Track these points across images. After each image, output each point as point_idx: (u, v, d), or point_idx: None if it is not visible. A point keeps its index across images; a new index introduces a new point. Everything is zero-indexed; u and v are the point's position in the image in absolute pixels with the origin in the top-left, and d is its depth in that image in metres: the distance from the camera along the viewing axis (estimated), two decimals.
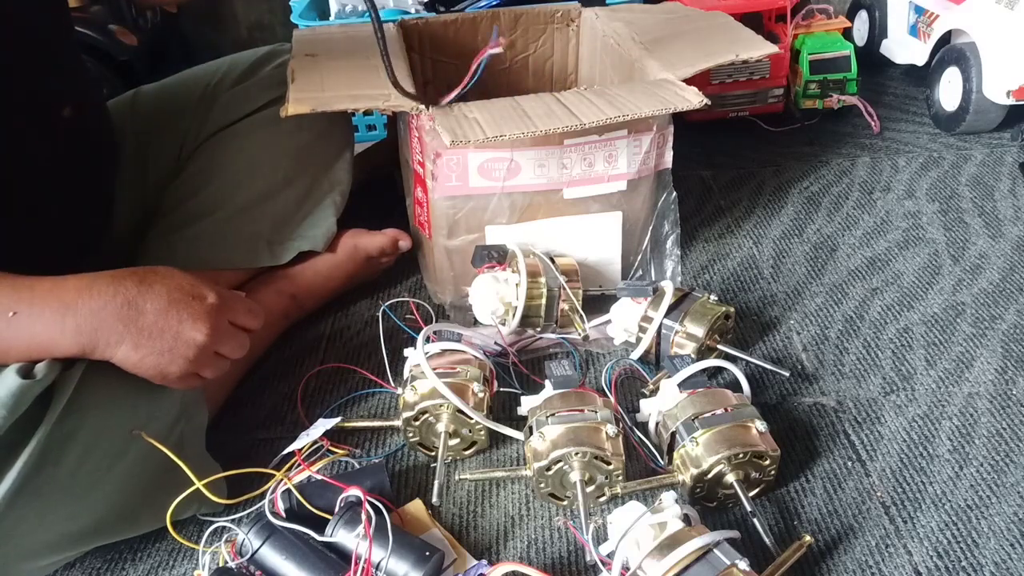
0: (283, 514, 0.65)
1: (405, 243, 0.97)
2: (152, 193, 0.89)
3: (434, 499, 0.68)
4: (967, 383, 0.79)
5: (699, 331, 0.79)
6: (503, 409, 0.79)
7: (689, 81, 0.86)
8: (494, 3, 1.21)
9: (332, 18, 1.24)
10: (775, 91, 1.29)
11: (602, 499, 0.68)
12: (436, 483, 0.68)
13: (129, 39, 1.39)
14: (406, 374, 0.77)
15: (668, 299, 0.81)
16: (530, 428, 0.70)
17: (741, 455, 0.65)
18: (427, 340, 0.76)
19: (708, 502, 0.68)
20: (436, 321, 0.90)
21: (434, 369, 0.73)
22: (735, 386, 0.74)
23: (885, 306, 0.91)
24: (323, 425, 0.74)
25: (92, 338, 0.58)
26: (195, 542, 0.65)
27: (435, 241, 0.89)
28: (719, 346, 0.80)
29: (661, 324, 0.80)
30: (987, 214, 1.06)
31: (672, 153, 0.89)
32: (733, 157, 1.25)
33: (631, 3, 1.16)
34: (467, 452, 0.75)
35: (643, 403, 0.75)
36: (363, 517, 0.61)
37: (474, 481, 0.73)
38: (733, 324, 0.84)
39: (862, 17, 1.48)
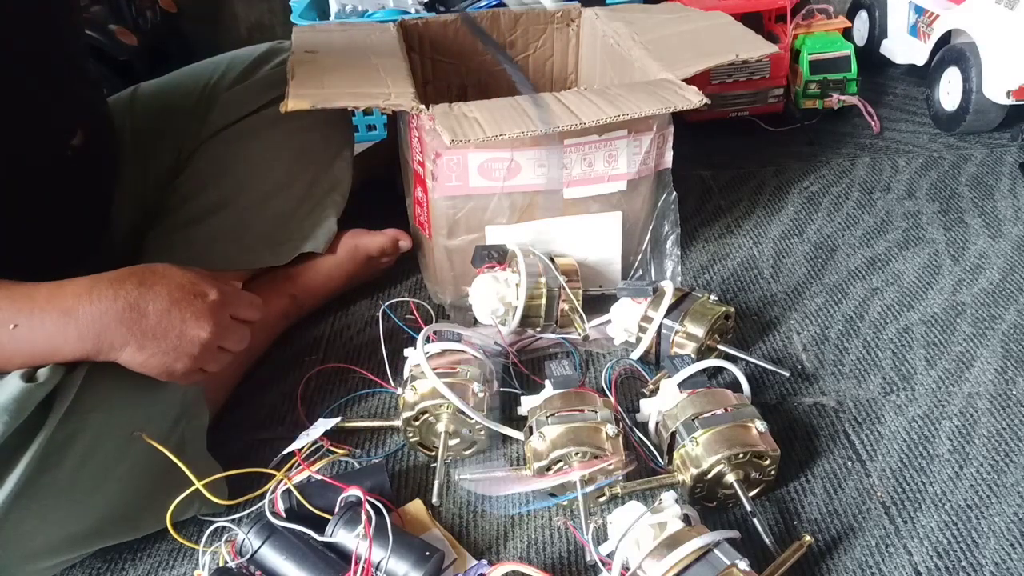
0: (283, 514, 0.65)
1: (405, 243, 0.97)
2: (152, 191, 0.89)
3: (434, 499, 0.68)
4: (967, 383, 0.79)
5: (699, 331, 0.79)
6: (503, 409, 0.79)
7: (689, 81, 0.86)
8: (494, 3, 1.21)
9: (332, 18, 1.24)
10: (775, 91, 1.29)
11: (602, 499, 0.68)
12: (436, 483, 0.68)
13: (129, 39, 1.39)
14: (406, 374, 0.77)
15: (668, 299, 0.81)
16: (530, 428, 0.70)
17: (741, 455, 0.65)
18: (427, 340, 0.76)
19: (708, 502, 0.68)
20: (436, 321, 0.90)
21: (434, 369, 0.73)
22: (735, 386, 0.75)
23: (885, 306, 0.91)
24: (323, 425, 0.74)
25: (96, 343, 0.58)
26: (195, 542, 0.65)
27: (435, 241, 0.89)
28: (719, 346, 0.80)
29: (661, 324, 0.80)
30: (987, 214, 1.06)
31: (672, 153, 0.89)
32: (733, 157, 1.25)
33: (631, 3, 1.16)
34: (467, 452, 0.75)
35: (643, 403, 0.75)
36: (363, 517, 0.61)
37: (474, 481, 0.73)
38: (733, 324, 0.84)
39: (862, 17, 1.48)
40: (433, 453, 0.74)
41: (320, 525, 0.63)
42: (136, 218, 0.88)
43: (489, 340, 0.83)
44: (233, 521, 0.64)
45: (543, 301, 0.83)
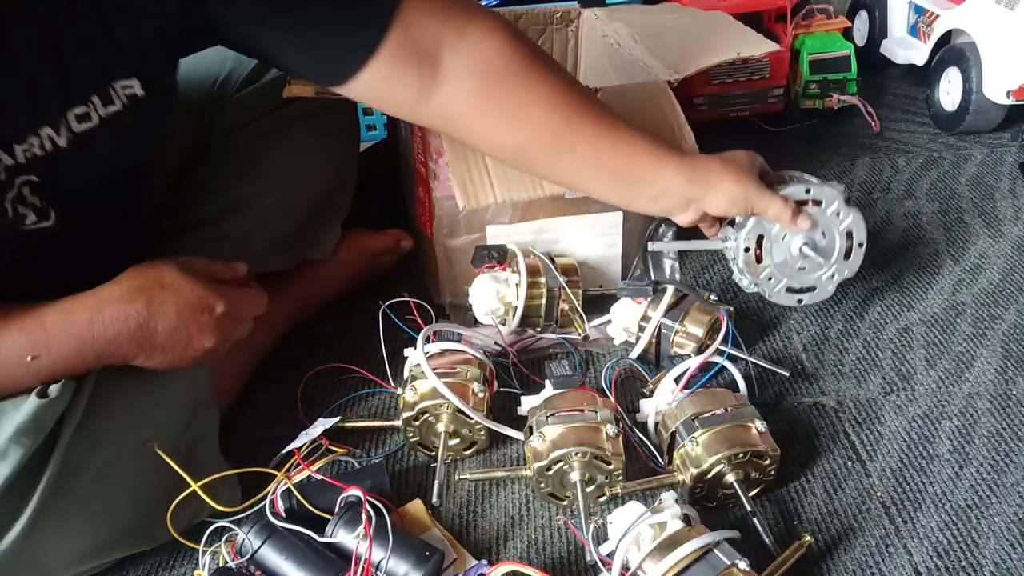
0: (283, 514, 0.65)
1: (407, 243, 0.97)
2: (157, 188, 0.89)
3: (434, 499, 0.68)
4: (967, 383, 0.79)
5: (699, 331, 0.79)
6: (503, 409, 0.79)
7: (689, 79, 0.86)
8: (494, 3, 1.21)
9: None
10: (775, 91, 1.29)
11: (602, 499, 0.68)
12: (436, 483, 0.68)
13: None
14: (406, 374, 0.77)
15: (668, 299, 0.81)
16: (530, 428, 0.70)
17: (741, 455, 0.65)
18: (427, 340, 0.76)
19: (708, 502, 0.68)
20: (436, 321, 0.90)
21: (434, 369, 0.73)
22: (735, 386, 0.75)
23: (885, 306, 0.91)
24: (323, 425, 0.74)
25: (110, 360, 0.61)
26: (195, 542, 0.65)
27: (436, 241, 0.89)
28: (719, 346, 0.80)
29: (661, 324, 0.80)
30: (987, 214, 1.06)
31: None
32: None
33: (631, 3, 1.16)
34: (467, 452, 0.75)
35: (643, 403, 0.75)
36: (363, 517, 0.61)
37: (474, 481, 0.73)
38: (733, 325, 0.84)
39: (862, 17, 1.48)
40: (433, 453, 0.74)
41: (320, 525, 0.63)
42: (144, 216, 0.88)
43: (489, 340, 0.83)
44: (233, 521, 0.64)
45: (543, 301, 0.83)
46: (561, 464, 0.67)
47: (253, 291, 0.70)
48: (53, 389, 0.57)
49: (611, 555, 0.59)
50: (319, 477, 0.67)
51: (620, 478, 0.67)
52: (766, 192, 0.77)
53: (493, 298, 0.83)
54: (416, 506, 0.70)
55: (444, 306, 0.94)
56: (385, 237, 0.96)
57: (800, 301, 0.85)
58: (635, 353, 0.82)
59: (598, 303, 0.89)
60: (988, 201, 1.09)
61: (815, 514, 0.68)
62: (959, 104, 1.22)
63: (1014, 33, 1.13)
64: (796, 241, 0.81)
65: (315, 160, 0.92)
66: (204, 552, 0.63)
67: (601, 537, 0.62)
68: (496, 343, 0.84)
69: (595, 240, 0.90)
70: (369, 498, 0.62)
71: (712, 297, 0.82)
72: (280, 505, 0.66)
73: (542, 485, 0.68)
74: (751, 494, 0.67)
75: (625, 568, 0.58)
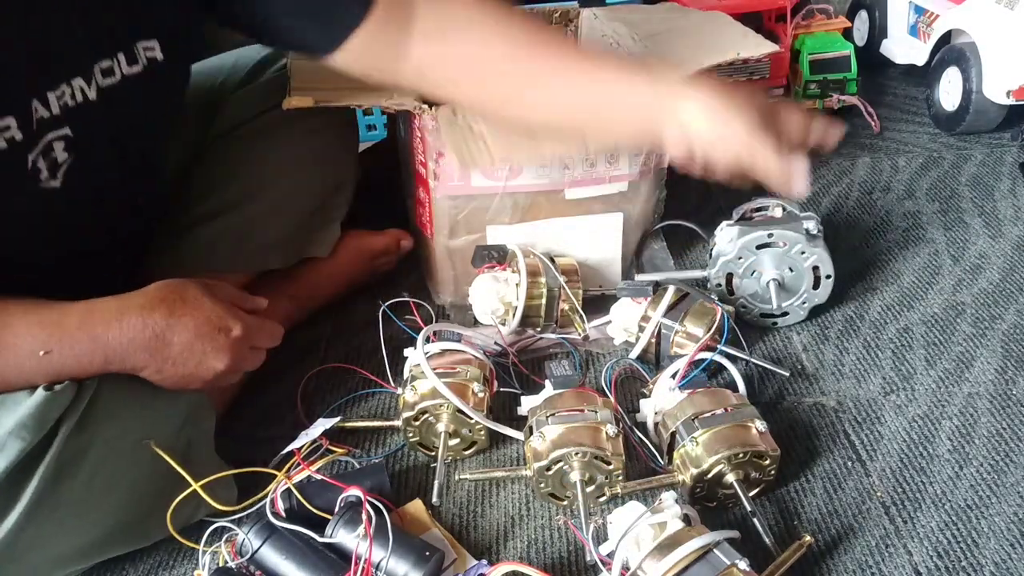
0: (283, 514, 0.65)
1: (407, 243, 0.97)
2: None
3: (434, 499, 0.68)
4: (967, 383, 0.79)
5: (699, 331, 0.79)
6: (503, 409, 0.79)
7: None
8: None
9: None
10: (775, 91, 1.29)
11: (602, 499, 0.68)
12: (436, 483, 0.68)
13: None
14: (406, 374, 0.77)
15: (668, 299, 0.81)
16: (530, 428, 0.70)
17: (741, 455, 0.65)
18: (427, 340, 0.76)
19: (708, 502, 0.68)
20: (436, 321, 0.90)
21: (434, 369, 0.73)
22: (735, 386, 0.75)
23: (885, 306, 0.91)
24: (323, 425, 0.74)
25: (120, 365, 0.61)
26: (195, 542, 0.65)
27: (436, 241, 0.89)
28: (719, 346, 0.80)
29: (661, 324, 0.80)
30: (987, 214, 1.06)
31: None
32: None
33: (630, 3, 1.16)
34: (467, 452, 0.75)
35: (643, 403, 0.75)
36: (363, 517, 0.61)
37: (474, 481, 0.73)
38: (733, 324, 0.84)
39: (862, 17, 1.48)
40: (433, 453, 0.74)
41: (320, 525, 0.63)
42: None
43: (489, 340, 0.83)
44: (233, 521, 0.64)
45: (543, 301, 0.83)
46: (561, 464, 0.67)
47: (270, 324, 0.72)
48: (58, 386, 0.58)
49: (611, 555, 0.59)
50: (319, 477, 0.67)
51: (620, 478, 0.67)
52: (759, 131, 0.67)
53: (493, 298, 0.83)
54: (416, 506, 0.70)
55: (444, 306, 0.94)
56: (384, 237, 0.96)
57: (775, 324, 0.88)
58: (635, 353, 0.82)
59: (598, 303, 0.89)
60: (988, 201, 1.09)
61: (815, 514, 0.68)
62: (959, 104, 1.22)
63: (1014, 33, 1.13)
64: (764, 276, 0.85)
65: (313, 159, 0.92)
66: (204, 552, 0.63)
67: (601, 537, 0.62)
68: (496, 343, 0.84)
69: (595, 240, 0.90)
70: (369, 498, 0.62)
71: (712, 297, 0.82)
72: (280, 505, 0.66)
73: (542, 485, 0.68)
74: (751, 494, 0.67)
75: (625, 568, 0.58)
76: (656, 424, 0.73)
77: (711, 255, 0.88)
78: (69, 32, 0.60)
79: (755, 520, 0.64)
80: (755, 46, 0.92)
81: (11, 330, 0.57)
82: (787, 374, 0.80)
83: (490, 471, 0.73)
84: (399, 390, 0.77)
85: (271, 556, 0.62)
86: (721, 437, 0.66)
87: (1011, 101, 1.15)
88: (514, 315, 0.83)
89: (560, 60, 0.73)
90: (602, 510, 0.68)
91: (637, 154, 0.86)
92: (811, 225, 0.85)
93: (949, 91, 1.25)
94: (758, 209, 0.90)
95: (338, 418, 0.76)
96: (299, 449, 0.71)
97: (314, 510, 0.65)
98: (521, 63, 0.73)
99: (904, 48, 1.37)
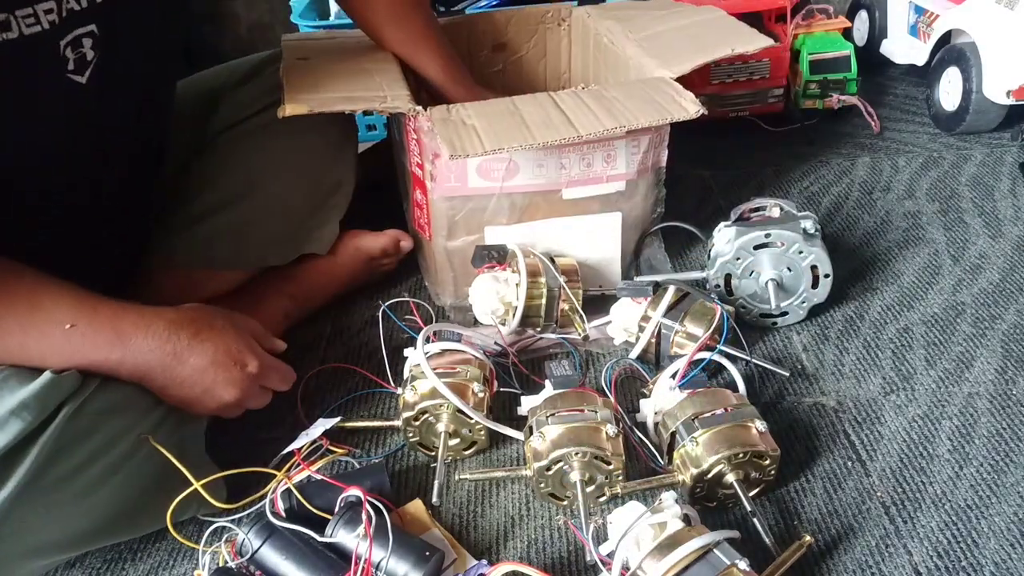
0: (283, 514, 0.65)
1: (407, 243, 0.97)
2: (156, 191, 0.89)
3: (434, 499, 0.68)
4: (967, 383, 0.79)
5: (699, 331, 0.79)
6: (503, 409, 0.79)
7: (688, 79, 0.86)
8: (494, 3, 1.21)
9: (332, 18, 1.24)
10: (775, 91, 1.29)
11: (602, 499, 0.68)
12: (436, 483, 0.68)
13: None
14: (406, 374, 0.77)
15: (668, 299, 0.81)
16: (530, 428, 0.70)
17: (741, 455, 0.65)
18: (427, 340, 0.76)
19: (708, 502, 0.68)
20: (436, 321, 0.90)
21: (434, 369, 0.73)
22: (735, 386, 0.75)
23: (885, 306, 0.91)
24: (323, 425, 0.74)
25: (130, 371, 0.62)
26: (195, 542, 0.65)
27: (435, 242, 0.89)
28: (719, 345, 0.80)
29: (661, 324, 0.80)
30: (987, 214, 1.06)
31: (667, 152, 0.89)
32: (733, 157, 1.25)
33: (623, 0, 1.16)
34: (467, 452, 0.75)
35: (643, 403, 0.75)
36: (363, 517, 0.61)
37: (474, 481, 0.73)
38: (733, 324, 0.84)
39: (862, 17, 1.48)
40: (433, 453, 0.74)
41: (320, 525, 0.63)
42: None
43: (489, 340, 0.83)
44: (233, 521, 0.64)
45: (543, 301, 0.83)
46: (561, 464, 0.67)
47: (286, 367, 0.73)
48: (65, 372, 0.58)
49: (611, 555, 0.59)
50: (319, 477, 0.67)
51: (620, 478, 0.67)
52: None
53: (493, 298, 0.83)
54: (416, 506, 0.70)
55: (444, 307, 0.94)
56: (384, 237, 0.96)
57: (774, 324, 0.88)
58: (635, 353, 0.82)
59: (598, 303, 0.89)
60: (988, 201, 1.09)
61: (815, 514, 0.68)
62: (959, 104, 1.22)
63: (1014, 33, 1.13)
64: (763, 276, 0.85)
65: (312, 156, 0.92)
66: (204, 552, 0.63)
67: (601, 537, 0.62)
68: (496, 343, 0.84)
69: (595, 240, 0.90)
70: (369, 498, 0.62)
71: (713, 297, 0.82)
72: (280, 505, 0.66)
73: (542, 485, 0.68)
74: (751, 494, 0.67)
75: (625, 568, 0.58)
76: (656, 424, 0.73)
77: (709, 256, 0.88)
78: None
79: (755, 520, 0.64)
80: (748, 41, 0.92)
81: (49, 295, 0.59)
82: (787, 374, 0.80)
83: (490, 471, 0.73)
84: (399, 390, 0.77)
85: (271, 556, 0.62)
86: (721, 437, 0.66)
87: (1011, 101, 1.15)
88: (514, 315, 0.83)
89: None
90: (602, 510, 0.68)
91: (634, 153, 0.86)
92: (809, 224, 0.85)
93: (949, 91, 1.25)
94: (756, 209, 0.90)
95: (338, 418, 0.76)
96: (299, 449, 0.71)
97: (314, 510, 0.65)
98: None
99: (904, 48, 1.37)
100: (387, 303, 0.92)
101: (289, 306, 0.91)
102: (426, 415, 0.73)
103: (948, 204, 1.09)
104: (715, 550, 0.57)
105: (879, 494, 0.69)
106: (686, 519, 0.60)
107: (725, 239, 0.85)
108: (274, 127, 0.90)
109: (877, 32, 1.43)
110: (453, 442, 0.74)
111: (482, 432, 0.74)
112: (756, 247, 0.84)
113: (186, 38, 0.80)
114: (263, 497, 0.66)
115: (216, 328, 0.65)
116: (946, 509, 0.67)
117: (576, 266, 0.88)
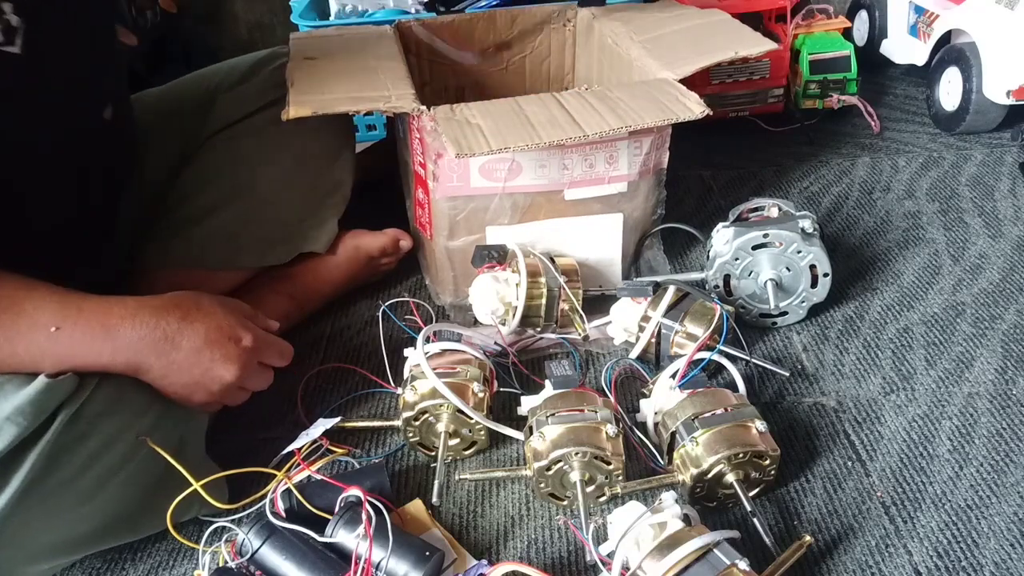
0: (283, 514, 0.65)
1: (406, 243, 0.97)
2: (149, 193, 0.89)
3: (434, 499, 0.68)
4: (967, 383, 0.79)
5: (699, 331, 0.79)
6: (503, 409, 0.79)
7: (689, 79, 0.86)
8: (494, 3, 1.21)
9: (332, 18, 1.24)
10: (775, 91, 1.29)
11: (602, 499, 0.68)
12: (436, 483, 0.68)
13: (129, 39, 1.38)
14: (406, 374, 0.77)
15: (668, 299, 0.81)
16: (530, 428, 0.70)
17: (741, 455, 0.65)
18: (427, 340, 0.76)
19: (708, 502, 0.68)
20: (436, 321, 0.90)
21: (434, 369, 0.73)
22: (735, 386, 0.75)
23: (885, 306, 0.91)
24: (323, 425, 0.74)
25: (126, 363, 0.61)
26: (195, 542, 0.65)
27: (436, 242, 0.89)
28: (718, 345, 0.80)
29: (661, 324, 0.80)
30: (987, 214, 1.06)
31: (668, 153, 0.89)
32: (733, 157, 1.25)
33: (628, 2, 1.16)
34: (467, 452, 0.75)
35: (643, 403, 0.75)
36: (363, 517, 0.61)
37: (474, 481, 0.73)
38: (733, 324, 0.84)
39: (862, 17, 1.48)
40: (433, 453, 0.74)
41: (320, 525, 0.63)
42: (136, 216, 0.88)
43: (489, 340, 0.83)
44: (233, 521, 0.65)
45: (543, 301, 0.83)
46: (561, 464, 0.67)
47: (282, 342, 0.72)
48: (61, 376, 0.58)
49: (611, 555, 0.59)
50: (319, 477, 0.67)
51: (620, 478, 0.67)
52: None
53: (493, 298, 0.83)
54: (416, 506, 0.70)
55: (444, 307, 0.94)
56: (383, 236, 0.96)
57: (774, 324, 0.88)
58: (635, 353, 0.82)
59: (598, 303, 0.89)
60: (988, 201, 1.09)
61: (815, 514, 0.68)
62: (959, 104, 1.22)
63: (1014, 33, 1.13)
64: (762, 276, 0.85)
65: (309, 156, 0.92)
66: (204, 552, 0.63)
67: (601, 537, 0.62)
68: (496, 343, 0.84)
69: (595, 241, 0.90)
70: (369, 498, 0.62)
71: (713, 297, 0.82)
72: (280, 505, 0.66)
73: (542, 485, 0.68)
74: (751, 494, 0.67)
75: (625, 568, 0.58)
76: (656, 424, 0.73)
77: (708, 257, 0.88)
78: None
79: (755, 520, 0.64)
80: (753, 45, 0.92)
81: (31, 300, 0.58)
82: (787, 374, 0.80)
83: (490, 471, 0.73)
84: (399, 390, 0.77)
85: (271, 556, 0.62)
86: (721, 437, 0.66)
87: (1011, 101, 1.15)
88: (514, 315, 0.83)
89: None
90: (602, 510, 0.68)
91: (636, 154, 0.86)
92: (807, 224, 0.85)
93: (949, 91, 1.25)
94: (754, 210, 0.90)
95: (338, 418, 0.76)
96: (299, 449, 0.71)
97: (314, 510, 0.65)
98: None
99: (904, 48, 1.37)
100: (387, 303, 0.92)
101: (289, 306, 0.90)
102: (426, 415, 0.73)
103: (948, 204, 1.09)
104: (715, 550, 0.57)
105: (879, 494, 0.69)
106: (686, 519, 0.60)
107: (723, 240, 0.86)
108: (271, 127, 0.90)
109: (877, 32, 1.43)
110: (453, 442, 0.74)
111: (482, 432, 0.74)
112: (754, 247, 0.84)
113: (117, 16, 0.78)
114: (263, 497, 0.66)
115: (204, 308, 0.64)
116: (946, 509, 0.67)
117: (576, 266, 0.88)
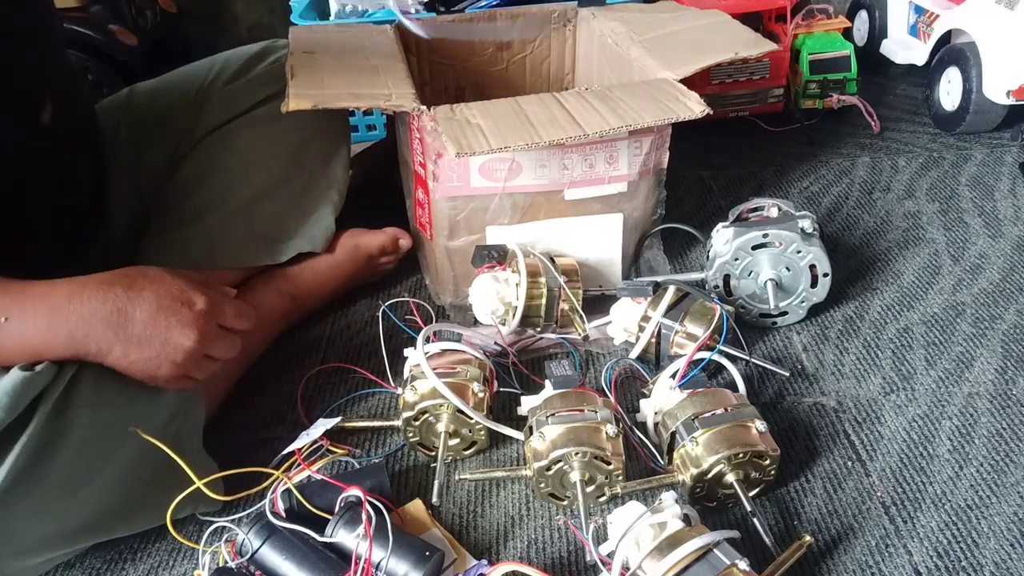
0: (283, 514, 0.65)
1: (406, 242, 0.97)
2: (147, 191, 0.89)
3: (434, 499, 0.68)
4: (967, 383, 0.79)
5: (699, 331, 0.79)
6: (503, 409, 0.79)
7: (689, 80, 0.86)
8: (494, 3, 1.21)
9: (332, 18, 1.24)
10: (775, 91, 1.29)
11: (602, 499, 0.68)
12: (436, 483, 0.68)
13: (129, 39, 1.39)
14: (406, 374, 0.77)
15: (668, 299, 0.81)
16: (530, 428, 0.70)
17: (741, 455, 0.65)
18: (427, 340, 0.76)
19: (708, 502, 0.68)
20: (436, 321, 0.90)
21: (434, 369, 0.73)
22: (735, 386, 0.75)
23: (885, 306, 0.91)
24: (323, 425, 0.74)
25: (83, 344, 0.59)
26: (195, 542, 0.65)
27: (436, 242, 0.89)
28: (718, 345, 0.80)
29: (661, 324, 0.80)
30: (987, 214, 1.06)
31: (668, 153, 0.89)
32: (733, 157, 1.25)
33: (628, 3, 1.16)
34: (467, 452, 0.75)
35: (643, 403, 0.75)
36: (363, 517, 0.61)
37: (474, 481, 0.73)
38: (733, 324, 0.84)
39: (862, 17, 1.48)
40: (433, 453, 0.74)
41: (320, 525, 0.63)
42: (134, 215, 0.88)
43: (489, 340, 0.83)
44: (233, 521, 0.64)
45: (543, 301, 0.83)
46: (561, 464, 0.67)
47: (238, 301, 0.69)
48: (38, 367, 0.57)
49: (611, 555, 0.59)
50: (319, 477, 0.67)
51: (620, 478, 0.67)
52: None
53: (493, 298, 0.83)
54: (416, 506, 0.70)
55: (444, 306, 0.94)
56: (383, 236, 0.96)
57: (774, 324, 0.88)
58: (635, 353, 0.82)
59: (598, 303, 0.89)
60: (988, 201, 1.09)
61: (815, 514, 0.68)
62: (959, 104, 1.22)
63: (1014, 33, 1.13)
64: (762, 276, 0.85)
65: (303, 155, 0.92)
66: (204, 552, 0.63)
67: (601, 537, 0.62)
68: (496, 343, 0.84)
69: (595, 241, 0.90)
70: (369, 498, 0.62)
71: (713, 297, 0.82)
72: (280, 505, 0.66)
73: (542, 485, 0.68)
74: (751, 494, 0.67)
75: (625, 568, 0.58)
76: (656, 424, 0.73)
77: (708, 257, 0.88)
78: None
79: (755, 520, 0.64)
80: (753, 46, 0.92)
81: None
82: (787, 374, 0.80)
83: (490, 471, 0.73)
84: (399, 390, 0.77)
85: (271, 556, 0.62)
86: (721, 437, 0.66)
87: (1011, 101, 1.15)
88: (514, 315, 0.83)
89: None
90: (602, 510, 0.68)
91: (636, 154, 0.86)
92: (806, 224, 0.85)
93: (949, 91, 1.25)
94: (754, 210, 0.90)
95: (338, 418, 0.76)
96: (299, 449, 0.71)
97: (314, 510, 0.65)
98: None
99: (904, 48, 1.37)
100: (387, 303, 0.92)
101: (288, 306, 0.90)
102: (426, 415, 0.73)
103: (948, 204, 1.09)
104: (715, 550, 0.57)
105: (879, 494, 0.69)
106: (686, 519, 0.60)
107: (723, 240, 0.86)
108: (266, 125, 0.90)
109: (877, 32, 1.43)
110: (453, 442, 0.74)
111: (482, 432, 0.74)
112: (754, 247, 0.84)
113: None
114: (263, 497, 0.66)
115: (150, 276, 0.62)
116: (946, 509, 0.67)
117: (576, 266, 0.88)
